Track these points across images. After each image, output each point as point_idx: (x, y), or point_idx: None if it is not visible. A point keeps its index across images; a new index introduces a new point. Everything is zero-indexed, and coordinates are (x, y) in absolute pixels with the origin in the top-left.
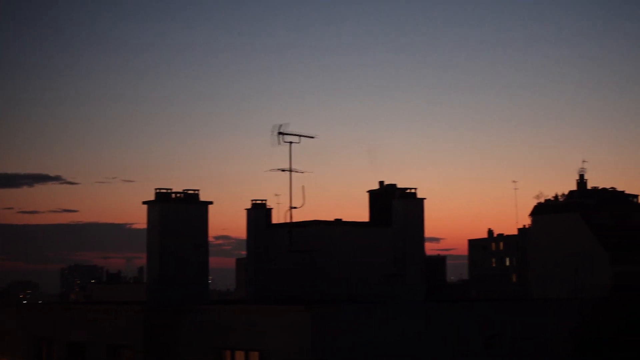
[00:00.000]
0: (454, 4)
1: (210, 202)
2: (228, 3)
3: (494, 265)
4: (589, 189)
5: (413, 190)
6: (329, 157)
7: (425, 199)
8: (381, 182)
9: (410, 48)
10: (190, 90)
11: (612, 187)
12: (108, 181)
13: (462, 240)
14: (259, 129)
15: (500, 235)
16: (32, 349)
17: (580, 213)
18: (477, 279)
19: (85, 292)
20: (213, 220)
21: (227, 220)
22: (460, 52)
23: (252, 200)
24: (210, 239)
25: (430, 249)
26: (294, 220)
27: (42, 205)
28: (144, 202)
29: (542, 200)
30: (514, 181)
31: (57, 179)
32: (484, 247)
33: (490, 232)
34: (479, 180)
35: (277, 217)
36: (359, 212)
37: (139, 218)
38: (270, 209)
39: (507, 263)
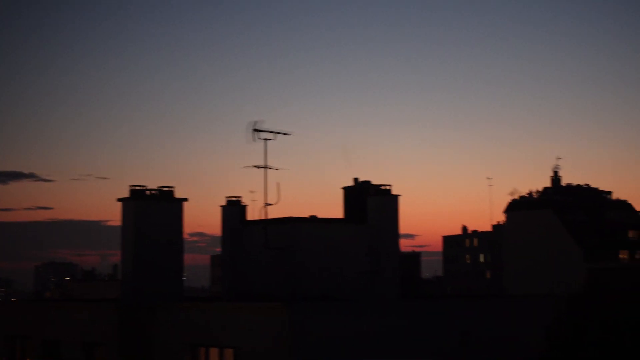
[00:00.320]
0: (425, 1)
1: (185, 199)
2: (202, 1)
3: (468, 261)
4: (563, 186)
5: (388, 187)
6: (304, 154)
7: (399, 195)
8: (356, 179)
9: (385, 46)
10: (165, 88)
11: (586, 184)
12: (83, 178)
13: (437, 236)
14: (234, 126)
15: (475, 232)
16: (6, 348)
17: (554, 210)
18: (451, 276)
19: (60, 289)
20: (188, 217)
21: (202, 217)
22: (435, 50)
23: (227, 197)
24: (185, 236)
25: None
26: (269, 217)
27: (16, 203)
28: (119, 200)
29: (516, 197)
30: (489, 178)
31: (31, 176)
32: (459, 244)
33: (464, 228)
34: (454, 177)
35: (252, 214)
36: (334, 209)
37: (113, 215)
38: (245, 206)
39: (482, 259)
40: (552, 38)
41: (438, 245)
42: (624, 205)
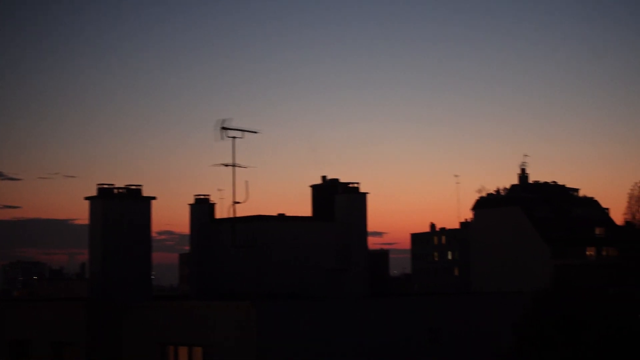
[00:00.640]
0: None
1: (153, 198)
2: None
3: (436, 259)
4: (530, 183)
5: (356, 185)
6: (272, 152)
7: (367, 193)
8: (324, 177)
9: (352, 43)
10: (133, 85)
11: (553, 181)
12: (50, 177)
13: (405, 234)
14: (202, 124)
15: (443, 229)
16: None
17: (521, 207)
18: (419, 273)
19: (27, 289)
20: (156, 215)
21: (170, 215)
22: (401, 46)
23: (195, 195)
24: (153, 234)
25: (372, 243)
26: (238, 215)
27: None
28: (86, 198)
29: (484, 194)
30: (456, 176)
31: None
32: (427, 241)
33: (432, 226)
34: (421, 174)
35: (221, 212)
36: (302, 206)
37: (81, 214)
38: (213, 204)
39: (450, 257)
40: (517, 36)
41: (406, 243)
42: (591, 202)
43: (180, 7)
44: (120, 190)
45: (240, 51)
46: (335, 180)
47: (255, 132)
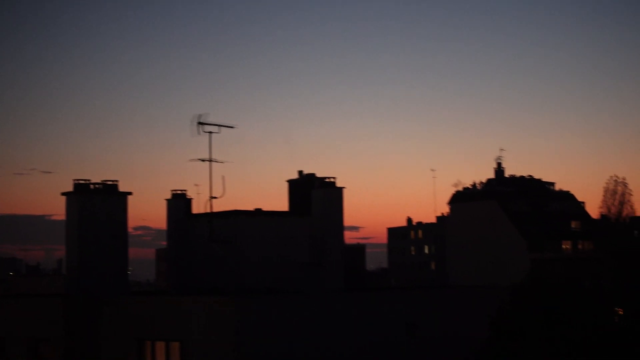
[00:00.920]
0: None
1: (130, 193)
2: None
3: (413, 253)
4: (506, 177)
5: (332, 180)
6: (249, 147)
7: (344, 187)
8: (300, 172)
9: (326, 36)
10: (109, 81)
11: (529, 175)
12: (26, 173)
13: (381, 228)
14: (179, 119)
15: (419, 224)
16: None
17: (498, 201)
18: (396, 267)
19: (4, 285)
20: (132, 210)
21: (146, 210)
22: (376, 40)
23: (172, 190)
24: (130, 229)
25: (349, 237)
26: (214, 210)
27: None
28: (63, 194)
29: (460, 188)
30: (432, 170)
31: None
32: (403, 236)
33: (409, 220)
34: (398, 168)
35: (198, 207)
36: (279, 201)
37: (58, 210)
38: (190, 199)
39: (426, 251)
40: (492, 28)
41: (382, 237)
42: (567, 196)
43: (156, 2)
44: (97, 186)
45: (217, 46)
46: (312, 175)
47: (231, 127)
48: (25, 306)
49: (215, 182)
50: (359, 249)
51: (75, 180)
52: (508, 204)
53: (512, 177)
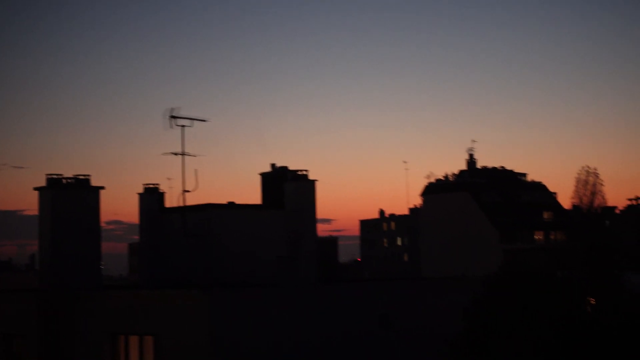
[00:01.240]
0: None
1: (102, 187)
2: None
3: (385, 245)
4: (478, 169)
5: (304, 172)
6: (221, 140)
7: (316, 180)
8: (273, 165)
9: (299, 29)
10: (80, 75)
11: (501, 167)
12: None
13: (354, 221)
14: (151, 113)
15: (392, 216)
16: None
17: (470, 192)
18: (369, 259)
19: None
20: (105, 205)
21: (119, 205)
22: (348, 32)
23: (145, 184)
24: (102, 224)
25: (322, 230)
26: (187, 204)
27: None
28: (35, 189)
29: (432, 180)
30: (405, 162)
31: None
32: (376, 228)
33: (381, 212)
34: (370, 161)
35: (170, 201)
36: (252, 194)
37: (30, 205)
38: (163, 193)
39: (399, 243)
40: (462, 18)
41: (355, 230)
42: (539, 186)
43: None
44: (69, 181)
45: (189, 40)
46: (284, 168)
47: (204, 121)
48: None
49: (188, 175)
50: (331, 242)
51: (47, 175)
52: (480, 196)
53: (484, 169)
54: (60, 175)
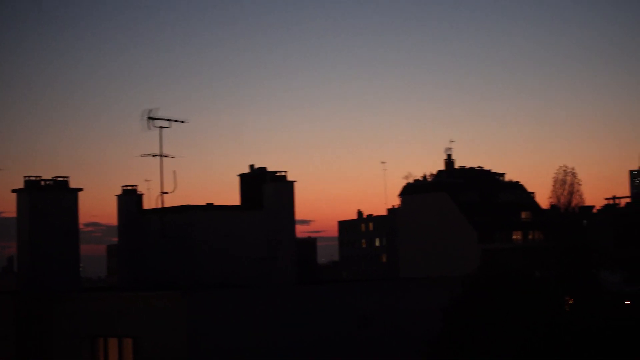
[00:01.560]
0: None
1: (80, 189)
2: None
3: (364, 246)
4: (456, 169)
5: (283, 173)
6: (200, 141)
7: (295, 181)
8: (252, 166)
9: (276, 31)
10: (58, 76)
11: (479, 166)
12: None
13: (332, 221)
14: (129, 114)
15: (370, 216)
16: None
17: (448, 192)
18: (347, 260)
19: None
20: (83, 207)
21: (97, 206)
22: (324, 32)
23: (123, 186)
24: (80, 226)
25: (300, 231)
26: (166, 205)
27: None
28: (13, 191)
29: (410, 180)
30: (383, 162)
31: None
32: (354, 228)
33: (359, 213)
34: (348, 161)
35: (149, 203)
36: (231, 196)
37: (8, 207)
38: (141, 195)
39: (377, 243)
40: (440, 19)
41: (334, 231)
42: (517, 186)
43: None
44: (48, 183)
45: (166, 40)
46: (263, 169)
47: (182, 122)
48: None
49: (167, 177)
50: (310, 243)
51: (25, 177)
52: (458, 196)
53: (462, 169)
54: (39, 177)
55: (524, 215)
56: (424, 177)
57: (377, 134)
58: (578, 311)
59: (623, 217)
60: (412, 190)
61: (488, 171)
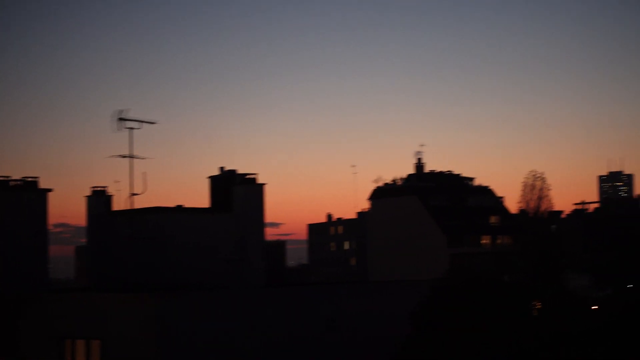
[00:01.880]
0: None
1: (50, 190)
2: None
3: (333, 249)
4: (426, 173)
5: (253, 176)
6: (170, 143)
7: (265, 184)
8: (222, 168)
9: (245, 30)
10: (28, 76)
11: (448, 171)
12: None
13: (302, 225)
14: (99, 115)
15: (340, 220)
16: None
17: (418, 196)
18: (316, 263)
19: None
20: (52, 207)
21: (66, 207)
22: (295, 36)
23: (92, 187)
24: (49, 226)
25: (270, 234)
26: (135, 207)
27: None
28: None
29: (380, 184)
30: (353, 165)
31: None
32: (324, 232)
33: (329, 216)
34: (318, 164)
35: (118, 204)
36: (200, 198)
37: None
38: (110, 196)
39: (347, 247)
40: (409, 24)
41: (303, 234)
42: (486, 191)
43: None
44: (17, 183)
45: (138, 43)
46: (233, 172)
47: (152, 123)
48: None
49: (136, 178)
50: (279, 245)
51: None
52: (428, 199)
53: (432, 173)
54: (8, 177)
55: (493, 219)
56: (394, 180)
57: (347, 137)
58: (546, 316)
59: (591, 222)
60: (382, 194)
61: (458, 175)
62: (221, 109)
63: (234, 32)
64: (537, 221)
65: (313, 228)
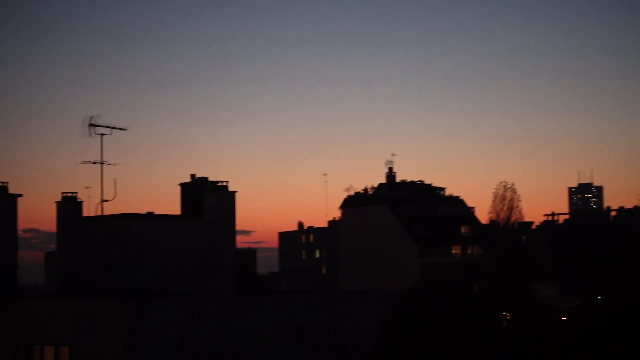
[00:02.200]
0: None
1: (19, 195)
2: None
3: (304, 257)
4: (397, 182)
5: (224, 183)
6: (141, 150)
7: (236, 192)
8: (193, 175)
9: (218, 41)
10: None
11: (419, 180)
12: None
13: (273, 232)
14: (70, 121)
15: (311, 228)
16: None
17: (389, 205)
18: (287, 272)
19: None
20: (21, 213)
21: (36, 213)
22: (269, 43)
23: (62, 193)
24: (19, 232)
25: (240, 241)
26: (106, 213)
27: None
28: None
29: (351, 193)
30: (325, 174)
31: None
32: (294, 240)
33: (300, 224)
34: (290, 173)
35: (88, 210)
36: (171, 205)
37: None
38: (81, 202)
39: (317, 255)
40: (386, 33)
41: (274, 242)
42: (457, 201)
43: (51, 3)
44: None
45: (109, 48)
46: (204, 179)
47: (123, 129)
48: None
49: (107, 184)
50: (250, 253)
51: None
52: (399, 209)
53: (403, 182)
54: None
55: (463, 229)
56: (365, 189)
57: (318, 146)
58: (515, 327)
59: (561, 234)
60: (353, 203)
61: (429, 185)
62: (193, 117)
63: (207, 41)
64: (508, 232)
65: (284, 236)
